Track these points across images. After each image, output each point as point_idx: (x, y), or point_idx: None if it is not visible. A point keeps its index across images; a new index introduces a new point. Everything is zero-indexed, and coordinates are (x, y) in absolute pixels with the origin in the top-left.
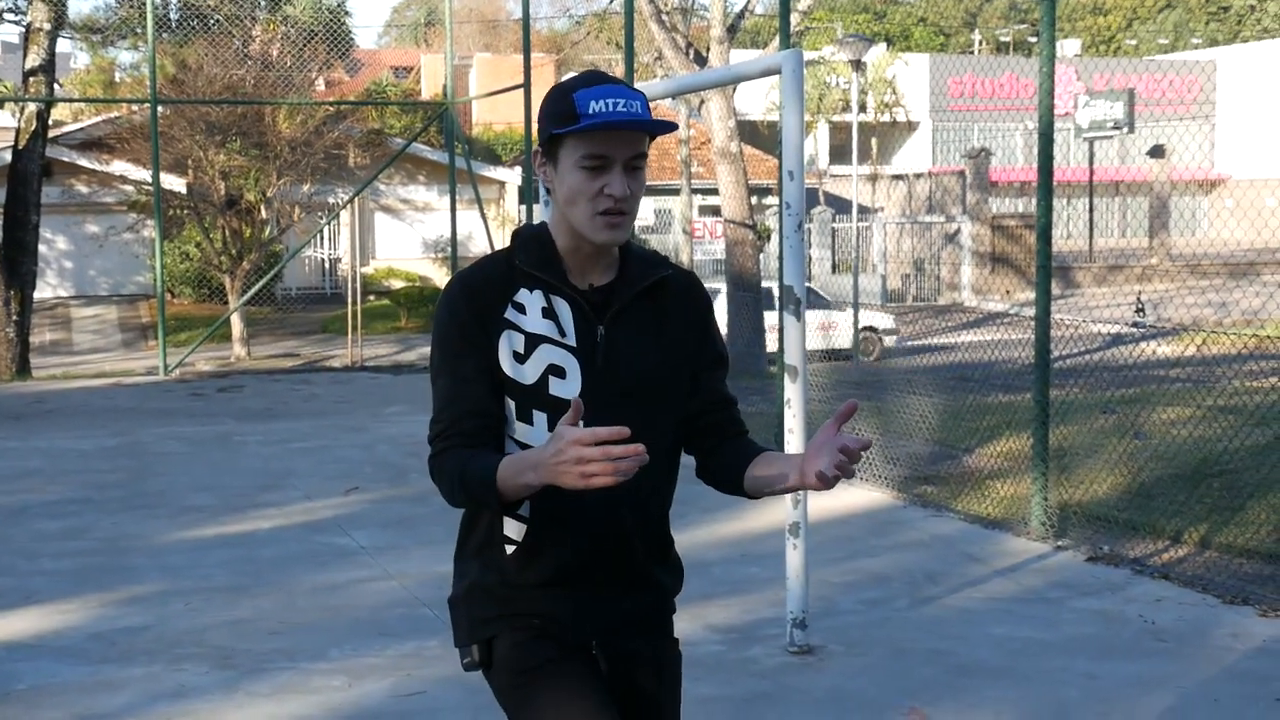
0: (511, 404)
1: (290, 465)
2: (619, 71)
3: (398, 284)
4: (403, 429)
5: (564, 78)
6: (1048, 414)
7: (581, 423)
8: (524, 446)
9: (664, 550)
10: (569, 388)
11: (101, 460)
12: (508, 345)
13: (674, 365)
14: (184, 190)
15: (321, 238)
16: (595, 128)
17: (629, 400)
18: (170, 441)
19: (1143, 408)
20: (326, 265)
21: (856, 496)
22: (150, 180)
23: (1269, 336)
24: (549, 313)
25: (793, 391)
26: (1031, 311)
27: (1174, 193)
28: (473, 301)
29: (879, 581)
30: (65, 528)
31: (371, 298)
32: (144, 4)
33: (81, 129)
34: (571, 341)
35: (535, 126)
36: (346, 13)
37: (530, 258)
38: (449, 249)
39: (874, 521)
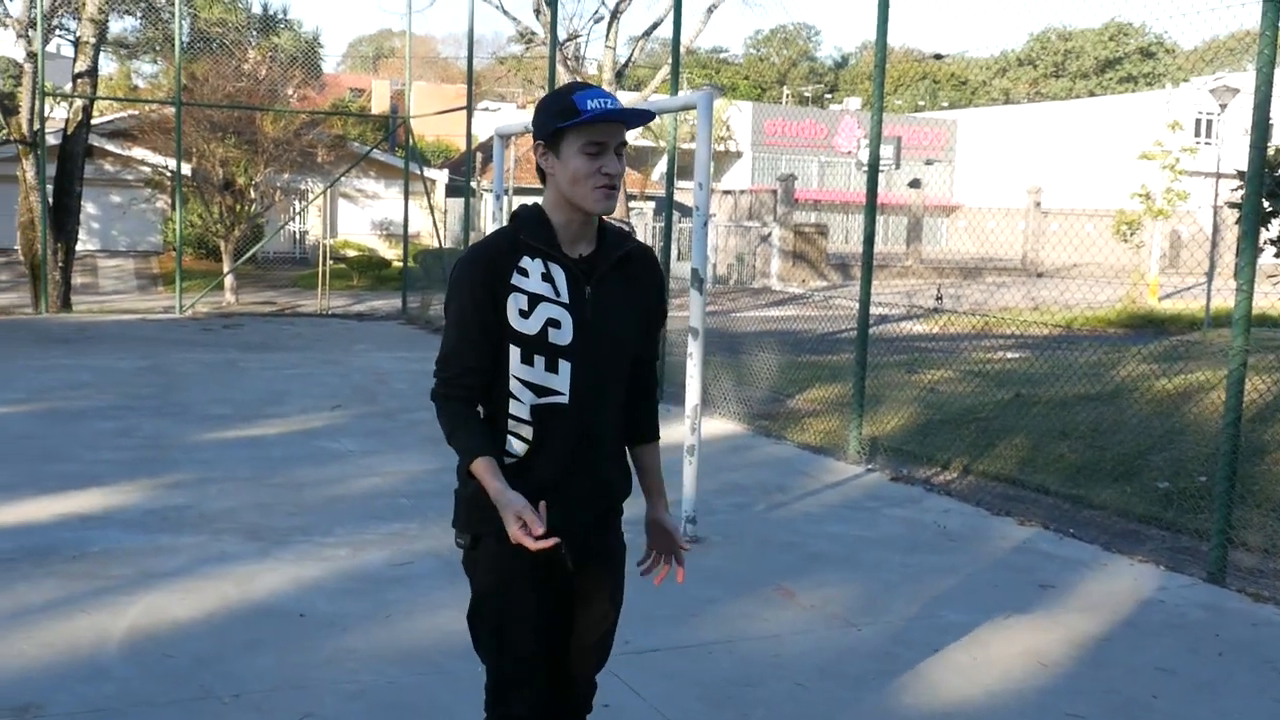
0: (517, 350)
1: (286, 386)
2: (524, 102)
3: (351, 253)
4: (371, 362)
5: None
6: (865, 369)
7: (569, 366)
8: (526, 384)
9: (622, 460)
10: (563, 336)
11: (138, 377)
12: (514, 305)
13: (637, 320)
14: (189, 173)
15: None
16: (596, 120)
17: (606, 345)
18: (190, 364)
19: (917, 370)
20: (297, 236)
21: (717, 427)
22: (163, 164)
23: (997, 319)
24: (546, 276)
25: (694, 347)
26: (821, 296)
27: (925, 214)
28: (486, 272)
29: (741, 490)
30: (116, 427)
31: (332, 262)
32: (166, 27)
33: (109, 121)
34: (565, 300)
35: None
36: (319, 44)
37: (533, 233)
38: (392, 227)
39: (731, 446)
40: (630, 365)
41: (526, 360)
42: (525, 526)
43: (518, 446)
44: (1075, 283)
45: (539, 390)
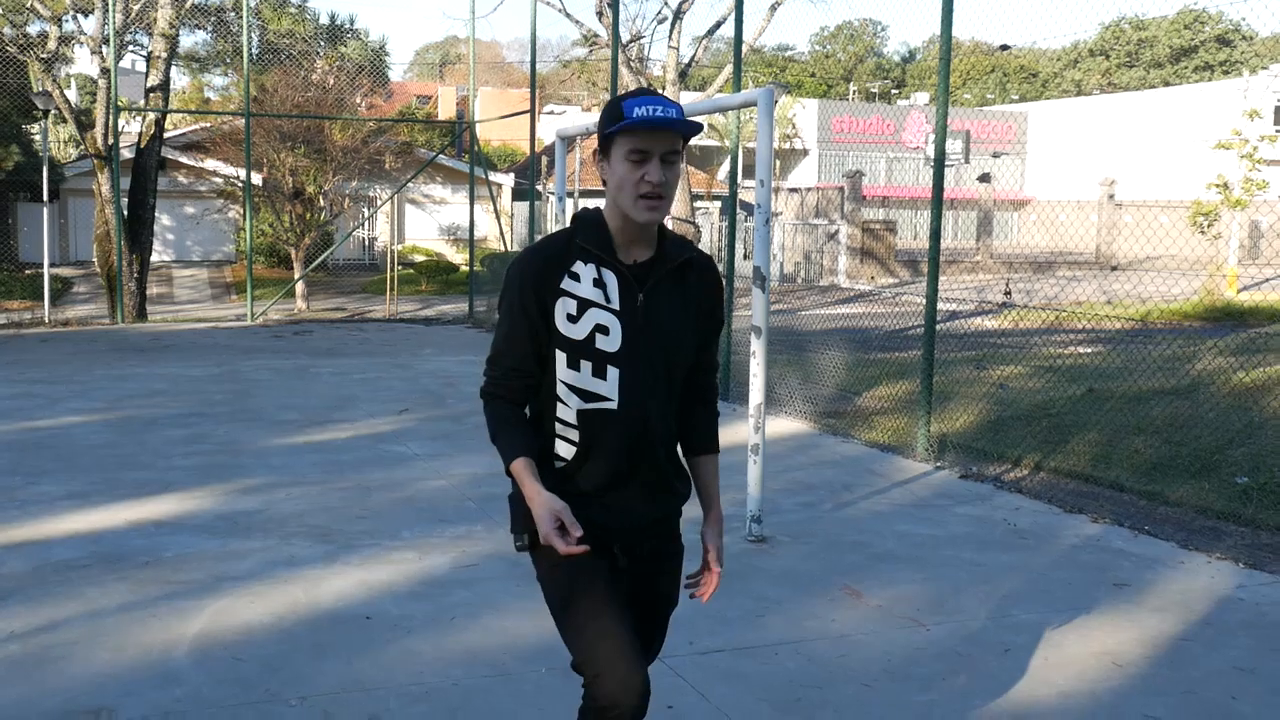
0: (563, 355)
1: (354, 391)
2: (589, 105)
3: (420, 258)
4: (438, 366)
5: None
6: (933, 366)
7: (617, 372)
8: (573, 389)
9: (679, 465)
10: (611, 343)
11: (210, 384)
12: (563, 309)
13: (692, 328)
14: (260, 183)
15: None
16: (636, 126)
17: (657, 353)
18: (261, 371)
19: (986, 366)
20: (366, 242)
21: (783, 425)
22: (235, 175)
23: (1069, 313)
24: (598, 282)
25: (757, 345)
26: (889, 293)
27: (995, 208)
28: (538, 274)
29: (808, 489)
30: (188, 434)
31: (400, 268)
32: (236, 40)
33: (182, 134)
34: (616, 306)
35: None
36: (386, 53)
37: (589, 236)
38: (460, 232)
39: (798, 444)
40: (689, 374)
41: (572, 365)
42: (561, 529)
43: (566, 450)
44: (1150, 275)
45: (585, 395)
